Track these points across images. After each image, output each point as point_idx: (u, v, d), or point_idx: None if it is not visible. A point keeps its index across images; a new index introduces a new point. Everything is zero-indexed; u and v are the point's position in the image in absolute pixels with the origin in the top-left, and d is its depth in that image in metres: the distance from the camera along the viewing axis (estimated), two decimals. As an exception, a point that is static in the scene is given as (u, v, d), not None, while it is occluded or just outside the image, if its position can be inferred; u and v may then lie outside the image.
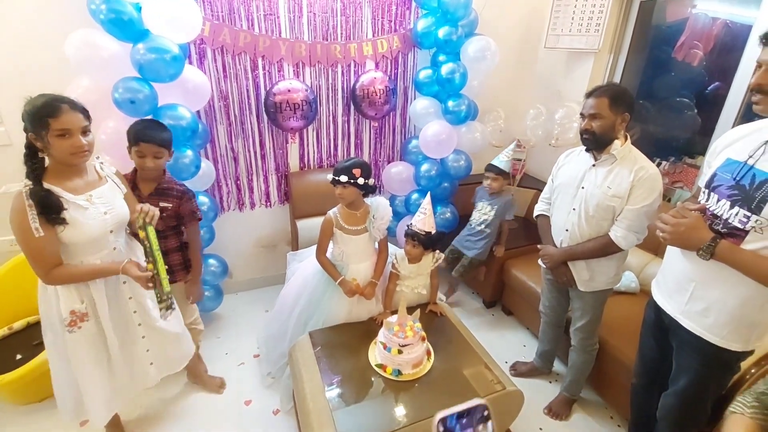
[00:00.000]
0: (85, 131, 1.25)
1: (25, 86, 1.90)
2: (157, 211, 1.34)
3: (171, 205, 1.66)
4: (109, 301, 1.42)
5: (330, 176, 1.75)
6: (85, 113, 1.26)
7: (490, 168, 2.42)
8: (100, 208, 1.32)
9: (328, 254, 1.90)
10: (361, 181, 1.70)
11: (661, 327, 1.37)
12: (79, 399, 1.49)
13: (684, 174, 2.42)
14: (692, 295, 1.21)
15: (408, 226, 1.88)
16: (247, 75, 2.33)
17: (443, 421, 0.52)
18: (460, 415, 0.53)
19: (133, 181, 1.63)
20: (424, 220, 1.84)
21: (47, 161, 1.26)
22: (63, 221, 1.23)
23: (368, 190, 1.78)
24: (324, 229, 1.84)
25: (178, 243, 1.77)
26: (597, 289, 1.69)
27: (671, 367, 1.37)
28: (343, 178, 1.69)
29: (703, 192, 1.22)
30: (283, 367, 2.00)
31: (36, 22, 1.85)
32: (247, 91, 2.36)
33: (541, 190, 1.92)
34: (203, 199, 2.22)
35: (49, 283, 1.29)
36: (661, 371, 1.43)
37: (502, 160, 2.39)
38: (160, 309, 1.37)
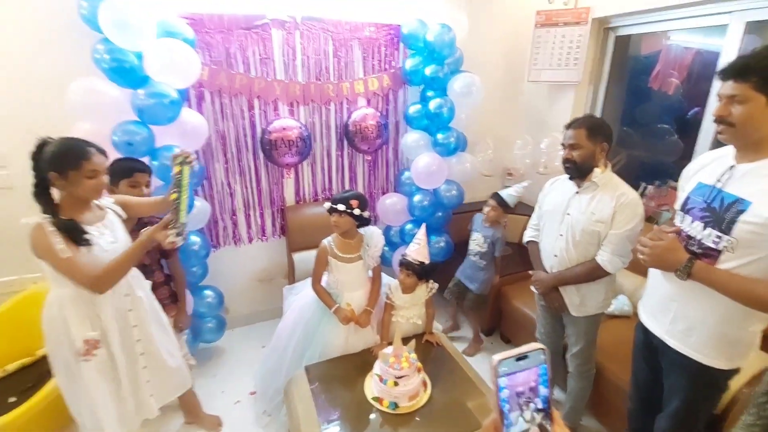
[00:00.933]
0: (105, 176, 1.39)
1: (29, 130, 1.99)
2: (194, 155, 1.45)
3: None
4: (118, 329, 1.46)
5: (327, 204, 1.83)
6: (106, 155, 1.39)
7: (494, 196, 2.44)
8: (108, 239, 1.40)
9: (323, 283, 1.94)
10: (357, 212, 1.79)
11: (650, 348, 1.39)
12: (98, 423, 1.49)
13: (669, 197, 2.48)
14: (675, 315, 1.24)
15: (403, 255, 1.91)
16: (244, 115, 2.42)
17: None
18: (519, 358, 0.52)
19: None
20: (419, 250, 1.87)
21: (56, 197, 1.34)
22: (88, 242, 1.31)
23: (363, 222, 1.85)
24: (319, 257, 1.90)
25: (164, 277, 1.81)
26: (589, 314, 1.71)
27: (663, 389, 1.37)
28: (341, 207, 1.77)
29: (678, 214, 1.27)
30: (279, 405, 1.97)
31: (39, 67, 1.95)
32: (244, 129, 2.45)
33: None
34: (194, 239, 2.21)
35: (101, 290, 1.32)
36: (655, 394, 1.43)
37: (509, 194, 2.39)
38: (169, 234, 1.36)
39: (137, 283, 1.55)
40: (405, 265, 1.87)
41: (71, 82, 1.80)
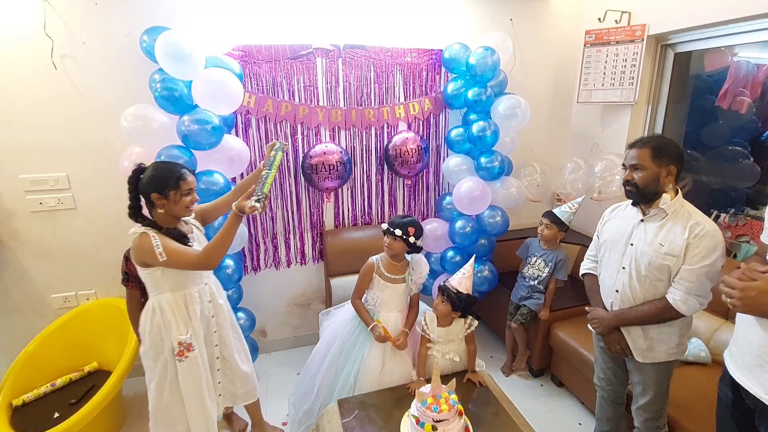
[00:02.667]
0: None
1: (89, 155, 2.15)
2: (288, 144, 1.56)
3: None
4: (202, 333, 1.59)
5: (384, 226, 1.86)
6: (195, 174, 1.55)
7: (547, 214, 2.33)
8: (196, 247, 1.55)
9: (362, 299, 1.95)
10: (412, 239, 1.82)
11: (742, 409, 1.15)
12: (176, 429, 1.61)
13: (749, 227, 2.20)
14: None
15: (444, 281, 1.83)
16: (288, 140, 2.47)
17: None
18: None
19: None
20: (461, 280, 1.79)
21: (152, 215, 1.50)
22: (189, 241, 1.51)
23: (414, 250, 1.89)
24: (364, 273, 1.93)
25: None
26: (658, 360, 1.49)
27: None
28: (398, 232, 1.80)
29: None
30: (307, 431, 1.90)
31: (101, 96, 2.09)
32: (287, 154, 2.49)
33: (586, 246, 1.80)
34: (228, 262, 2.18)
35: (211, 264, 1.47)
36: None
37: (562, 210, 2.29)
38: (251, 200, 1.46)
39: (218, 292, 1.71)
40: (443, 290, 1.81)
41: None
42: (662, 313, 1.40)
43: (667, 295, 1.39)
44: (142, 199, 1.47)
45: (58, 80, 2.01)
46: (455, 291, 1.76)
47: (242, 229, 2.30)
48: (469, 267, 1.82)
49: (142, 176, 1.46)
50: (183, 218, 1.57)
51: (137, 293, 1.70)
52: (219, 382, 1.72)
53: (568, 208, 2.28)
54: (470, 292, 1.77)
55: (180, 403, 1.58)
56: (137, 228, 1.44)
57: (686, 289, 1.35)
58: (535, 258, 2.36)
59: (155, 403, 1.58)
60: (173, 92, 1.89)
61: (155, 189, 1.43)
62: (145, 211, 1.50)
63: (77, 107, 2.07)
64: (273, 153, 1.60)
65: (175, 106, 1.91)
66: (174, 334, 1.50)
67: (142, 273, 1.48)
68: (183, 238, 1.49)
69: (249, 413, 2.02)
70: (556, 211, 2.30)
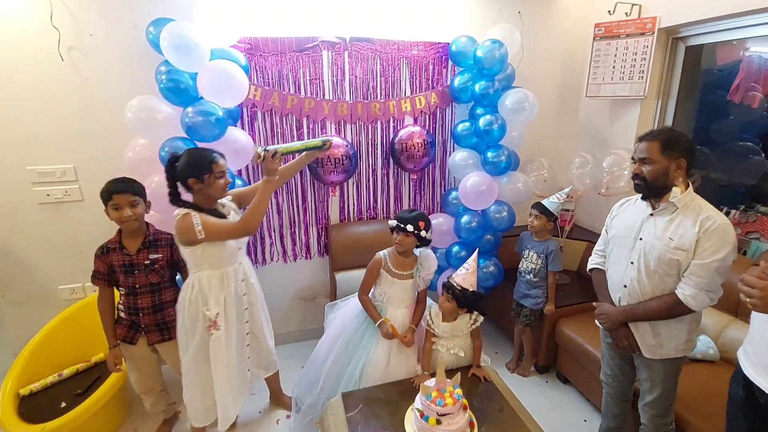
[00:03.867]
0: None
1: (96, 146, 2.15)
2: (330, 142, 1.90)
3: (162, 255, 1.72)
4: (235, 310, 1.72)
5: (393, 222, 1.83)
6: (225, 157, 1.67)
7: (535, 205, 2.32)
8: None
9: (369, 295, 1.93)
10: (423, 233, 1.79)
11: (755, 408, 1.13)
12: (206, 403, 1.75)
13: (759, 223, 2.17)
14: None
15: (448, 278, 1.81)
16: (293, 133, 2.46)
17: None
18: None
19: (118, 242, 1.69)
20: (465, 276, 1.77)
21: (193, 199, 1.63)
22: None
23: (424, 243, 1.85)
24: (372, 268, 1.90)
25: (173, 297, 1.76)
26: (666, 357, 1.47)
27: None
28: (410, 228, 1.76)
29: None
30: (311, 423, 1.90)
31: (107, 88, 2.08)
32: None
33: (593, 242, 1.78)
34: None
35: (250, 230, 1.60)
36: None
37: (550, 201, 2.28)
38: (260, 149, 1.61)
39: (251, 272, 1.83)
40: (447, 287, 1.79)
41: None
42: (671, 309, 1.38)
43: (676, 291, 1.37)
44: (180, 186, 1.60)
45: (65, 72, 2.01)
46: (460, 288, 1.74)
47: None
48: (472, 262, 1.79)
49: (177, 164, 1.58)
50: (220, 201, 1.71)
51: (108, 292, 1.74)
52: (248, 357, 1.86)
53: (556, 199, 2.27)
54: (475, 288, 1.76)
55: (209, 375, 1.71)
56: (180, 210, 1.57)
57: (696, 284, 1.33)
58: (528, 251, 2.34)
59: (191, 374, 1.71)
60: (178, 84, 1.88)
61: (191, 174, 1.56)
62: (186, 197, 1.63)
63: (84, 99, 2.07)
64: (318, 144, 1.81)
65: (180, 97, 1.91)
66: (210, 308, 1.64)
67: (185, 252, 1.61)
68: (221, 218, 1.63)
69: (269, 385, 2.20)
70: (544, 202, 2.29)
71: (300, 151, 1.88)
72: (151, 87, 1.96)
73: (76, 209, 2.20)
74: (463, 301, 1.74)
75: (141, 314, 1.73)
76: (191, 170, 1.56)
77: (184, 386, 1.75)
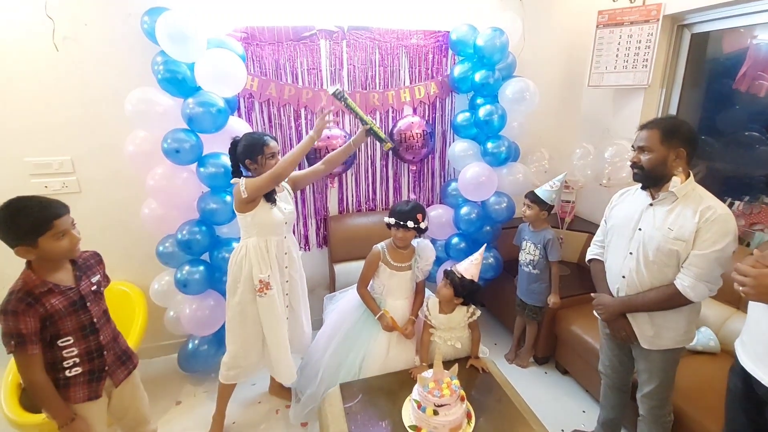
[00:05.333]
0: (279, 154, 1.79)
1: (93, 139, 2.14)
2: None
3: (99, 275, 1.43)
4: (278, 279, 1.80)
5: (390, 220, 1.82)
6: (276, 140, 1.80)
7: (528, 194, 2.28)
8: (281, 206, 1.80)
9: (368, 287, 1.93)
10: (423, 225, 1.80)
11: (753, 399, 1.12)
12: (241, 362, 1.85)
13: (763, 214, 2.14)
14: None
15: (451, 266, 1.82)
16: (291, 124, 2.44)
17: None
18: None
19: (44, 281, 1.24)
20: (468, 267, 1.77)
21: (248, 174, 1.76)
22: (275, 201, 1.76)
23: (422, 233, 1.86)
24: (370, 262, 1.90)
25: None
26: (664, 348, 1.46)
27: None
28: (410, 224, 1.76)
29: None
30: (312, 412, 1.91)
31: (103, 79, 2.07)
32: (290, 139, 2.46)
33: (593, 234, 1.76)
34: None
35: (283, 173, 1.69)
36: (759, 455, 1.15)
37: (543, 189, 2.23)
38: (385, 143, 1.88)
39: (294, 247, 1.91)
40: (447, 273, 1.79)
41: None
42: (669, 300, 1.36)
43: (675, 281, 1.35)
44: (241, 166, 1.75)
45: (61, 62, 1.99)
46: (459, 276, 1.73)
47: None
48: (478, 255, 1.79)
49: (237, 147, 1.72)
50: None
51: (40, 357, 1.24)
52: (287, 317, 1.90)
53: (549, 187, 2.22)
54: (475, 280, 1.75)
55: (253, 334, 1.81)
56: (235, 179, 1.72)
57: (695, 275, 1.31)
58: (526, 242, 2.32)
59: (232, 331, 1.82)
60: (176, 74, 1.87)
61: (247, 156, 1.70)
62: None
63: (80, 90, 2.06)
64: (343, 103, 1.85)
65: (179, 88, 1.89)
66: (255, 272, 1.73)
67: (239, 218, 1.75)
68: (271, 194, 1.74)
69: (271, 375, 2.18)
70: (537, 190, 2.24)
71: (362, 121, 1.89)
72: (149, 77, 1.95)
73: (74, 201, 2.13)
74: (460, 290, 1.73)
75: (106, 352, 1.38)
76: (247, 153, 1.70)
77: (226, 341, 1.85)
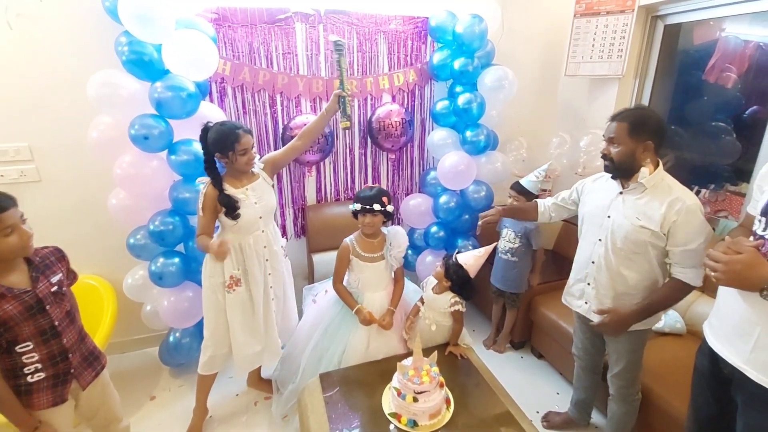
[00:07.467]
0: (253, 147, 1.68)
1: (53, 124, 2.02)
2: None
3: (61, 272, 1.32)
4: (258, 273, 1.76)
5: (356, 206, 1.79)
6: (251, 134, 1.68)
7: (514, 186, 2.31)
8: (252, 199, 1.70)
9: (344, 282, 1.91)
10: (390, 208, 1.78)
11: (719, 378, 1.18)
12: (218, 354, 1.83)
13: (728, 202, 2.23)
14: (758, 341, 1.03)
15: (458, 251, 1.82)
16: (266, 111, 2.37)
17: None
18: None
19: None
20: (468, 257, 1.77)
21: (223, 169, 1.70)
22: (237, 216, 1.65)
23: (390, 217, 1.84)
24: (341, 256, 1.87)
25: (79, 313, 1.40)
26: (631, 329, 1.50)
27: (732, 426, 1.16)
28: (377, 207, 1.74)
29: (759, 220, 1.07)
30: (294, 407, 1.89)
31: (63, 61, 1.95)
32: (266, 126, 2.40)
33: (569, 222, 1.80)
34: None
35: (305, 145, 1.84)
36: (721, 430, 1.22)
37: (528, 180, 2.26)
38: (344, 120, 1.92)
39: (275, 240, 1.84)
40: (446, 255, 1.81)
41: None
42: (679, 293, 1.40)
43: (678, 276, 1.38)
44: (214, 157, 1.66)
45: (14, 41, 1.86)
46: (454, 261, 1.74)
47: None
48: (484, 251, 1.77)
49: (207, 136, 1.62)
50: (252, 170, 1.74)
51: None
52: (277, 322, 1.90)
53: (534, 177, 2.25)
54: (471, 272, 1.74)
55: (224, 327, 1.78)
56: (203, 179, 1.68)
57: (693, 265, 1.35)
58: (506, 230, 2.35)
59: (210, 316, 1.78)
60: (142, 56, 1.76)
61: (216, 150, 1.61)
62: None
63: (36, 71, 1.93)
64: (336, 56, 1.83)
65: (145, 71, 1.80)
66: (228, 268, 1.70)
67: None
68: (232, 204, 1.64)
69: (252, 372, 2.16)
70: (522, 181, 2.27)
71: (341, 85, 1.88)
72: (112, 59, 1.83)
73: (34, 191, 2.07)
74: (451, 273, 1.74)
75: (71, 354, 1.29)
76: (217, 146, 1.61)
77: (204, 332, 1.83)
